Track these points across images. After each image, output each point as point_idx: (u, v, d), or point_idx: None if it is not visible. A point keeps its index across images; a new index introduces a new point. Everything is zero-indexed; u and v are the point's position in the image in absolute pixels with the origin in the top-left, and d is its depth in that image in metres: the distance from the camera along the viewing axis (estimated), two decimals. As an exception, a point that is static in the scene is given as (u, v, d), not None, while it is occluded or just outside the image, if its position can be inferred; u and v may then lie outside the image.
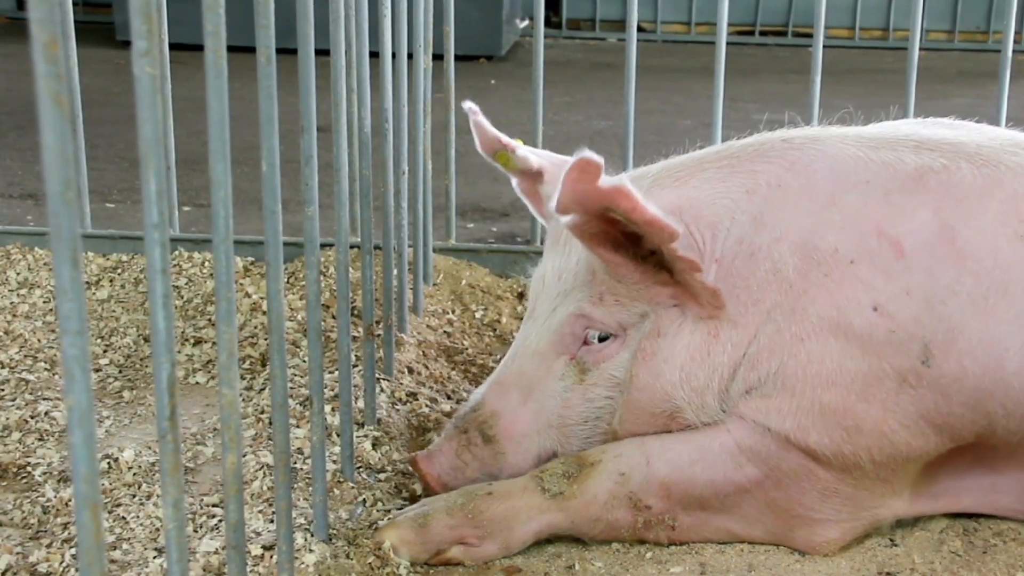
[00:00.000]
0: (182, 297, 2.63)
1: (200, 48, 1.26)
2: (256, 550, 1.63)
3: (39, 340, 2.41)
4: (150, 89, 1.11)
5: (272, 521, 1.71)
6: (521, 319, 2.38)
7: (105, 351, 2.40)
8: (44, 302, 2.59)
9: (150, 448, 1.93)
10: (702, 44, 7.41)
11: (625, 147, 2.79)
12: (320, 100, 1.59)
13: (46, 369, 2.28)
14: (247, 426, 2.01)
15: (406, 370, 2.25)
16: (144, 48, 1.10)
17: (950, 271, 1.61)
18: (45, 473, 1.86)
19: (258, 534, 1.69)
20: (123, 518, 1.73)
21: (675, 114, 5.36)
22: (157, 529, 1.70)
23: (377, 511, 1.80)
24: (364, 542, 1.69)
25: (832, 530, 1.72)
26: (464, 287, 2.72)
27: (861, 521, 1.73)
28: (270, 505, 1.75)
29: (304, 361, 2.22)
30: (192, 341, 2.41)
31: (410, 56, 2.31)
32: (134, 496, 1.80)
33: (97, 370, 2.32)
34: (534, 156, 1.95)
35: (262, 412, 2.04)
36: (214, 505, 1.78)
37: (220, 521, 1.72)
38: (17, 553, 1.63)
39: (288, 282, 2.66)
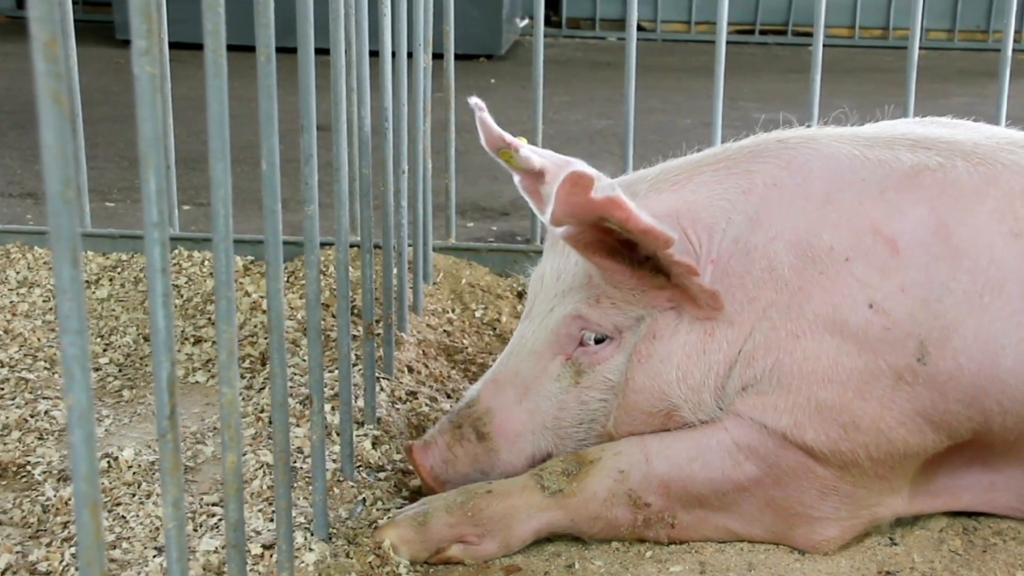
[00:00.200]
0: (182, 296, 2.63)
1: (200, 47, 1.26)
2: (256, 549, 1.64)
3: (39, 339, 2.41)
4: (150, 88, 1.11)
5: (272, 520, 1.71)
6: (520, 318, 2.38)
7: (105, 350, 2.40)
8: (44, 301, 2.59)
9: (150, 447, 1.93)
10: (702, 43, 7.42)
11: (625, 146, 2.79)
12: (320, 99, 1.59)
13: (46, 368, 2.28)
14: (247, 425, 2.01)
15: (406, 369, 2.25)
16: (144, 47, 1.10)
17: (945, 268, 1.61)
18: (45, 472, 1.86)
19: (258, 533, 1.69)
20: (123, 517, 1.73)
21: (675, 113, 5.36)
22: (157, 528, 1.70)
23: (377, 510, 1.80)
24: (364, 541, 1.69)
25: (831, 528, 1.72)
26: (464, 286, 2.72)
27: (860, 519, 1.73)
28: (270, 504, 1.75)
29: (304, 360, 2.22)
30: (192, 340, 2.41)
31: (410, 55, 2.31)
32: (134, 495, 1.80)
33: (97, 369, 2.32)
34: (536, 156, 1.95)
35: (262, 411, 2.04)
36: (214, 504, 1.78)
37: (220, 520, 1.72)
38: (17, 552, 1.63)
39: (288, 281, 2.66)
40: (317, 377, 1.62)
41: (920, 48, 2.79)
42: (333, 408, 1.97)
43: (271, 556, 1.62)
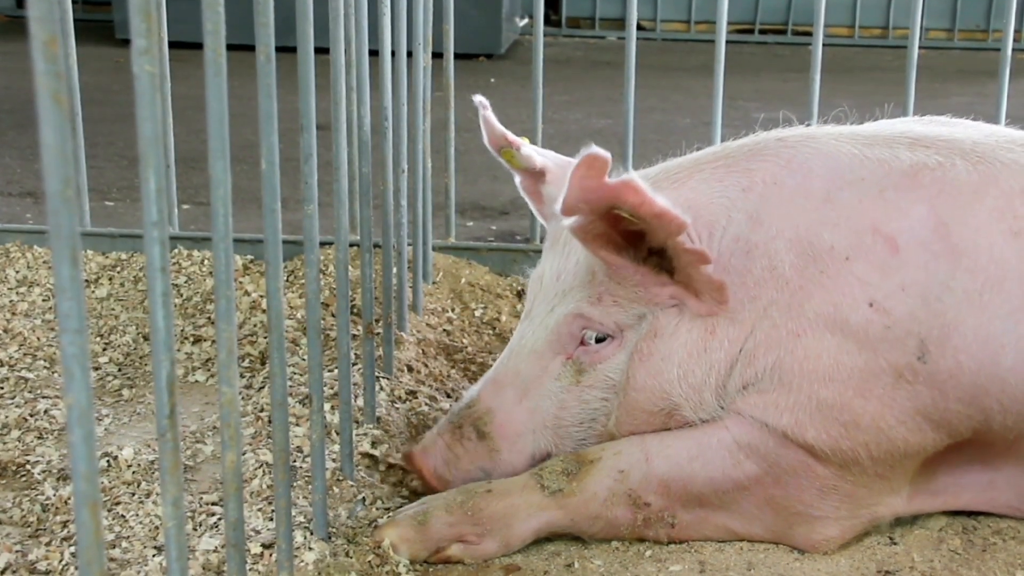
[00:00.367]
0: (181, 295, 2.63)
1: (199, 46, 1.26)
2: (255, 548, 1.63)
3: (38, 338, 2.41)
4: (149, 87, 1.11)
5: (272, 519, 1.71)
6: (520, 317, 2.38)
7: (104, 349, 2.40)
8: (43, 300, 2.59)
9: (149, 446, 1.93)
10: (702, 42, 7.42)
11: (625, 145, 2.79)
12: (319, 98, 1.59)
13: (45, 367, 2.28)
14: (246, 424, 2.01)
15: (405, 368, 2.25)
16: (143, 46, 1.10)
17: (945, 267, 1.61)
18: (44, 471, 1.86)
19: (257, 532, 1.69)
20: (122, 516, 1.73)
21: (675, 112, 5.36)
22: (156, 527, 1.70)
23: (376, 509, 1.80)
24: (363, 540, 1.70)
25: (831, 528, 1.72)
26: (464, 285, 2.72)
27: (860, 519, 1.73)
28: (269, 503, 1.75)
29: (304, 359, 2.22)
30: (192, 339, 2.41)
31: (410, 54, 2.30)
32: (133, 494, 1.79)
33: (96, 368, 2.32)
34: (538, 155, 1.97)
35: (261, 410, 2.04)
36: (213, 503, 1.78)
37: (219, 519, 1.72)
38: (16, 551, 1.63)
39: (287, 280, 2.66)
40: (317, 376, 1.62)
41: (920, 47, 2.79)
42: (333, 407, 1.97)
43: (271, 555, 1.62)
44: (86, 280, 2.69)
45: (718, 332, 1.68)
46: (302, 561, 1.62)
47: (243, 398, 2.12)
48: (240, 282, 2.62)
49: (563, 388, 1.78)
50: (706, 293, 1.68)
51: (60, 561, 1.62)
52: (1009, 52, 2.76)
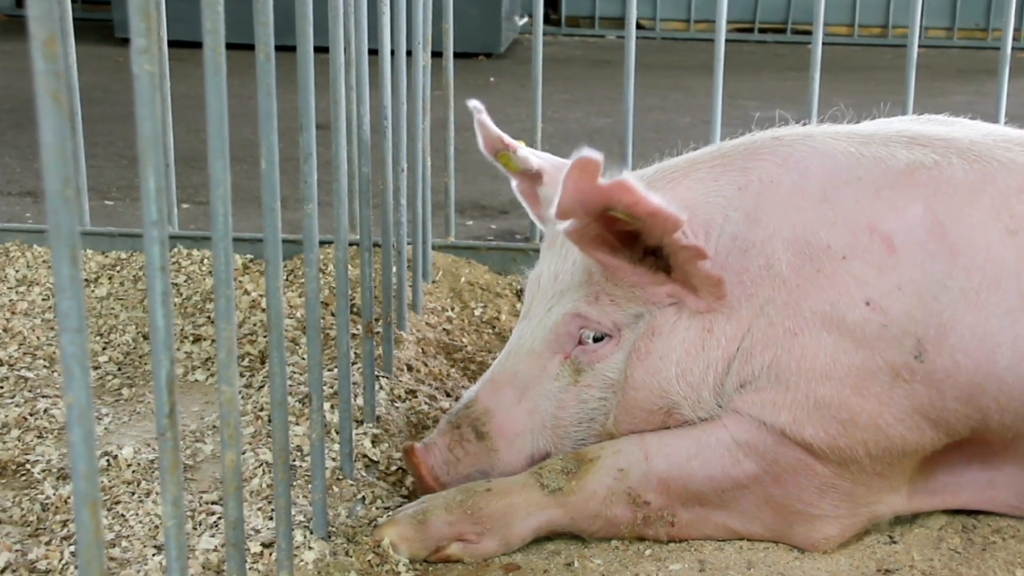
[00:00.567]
0: (181, 294, 2.63)
1: (199, 45, 1.26)
2: (255, 547, 1.64)
3: (38, 337, 2.41)
4: (149, 87, 1.11)
5: (271, 518, 1.71)
6: (519, 317, 2.39)
7: (104, 348, 2.40)
8: (43, 299, 2.59)
9: (149, 445, 1.93)
10: (701, 41, 7.42)
11: (624, 144, 2.79)
12: (319, 97, 1.59)
13: (45, 366, 2.28)
14: (246, 423, 2.01)
15: (405, 367, 2.25)
16: (143, 46, 1.10)
17: (941, 266, 1.61)
18: (44, 470, 1.86)
19: (257, 531, 1.69)
20: (122, 515, 1.73)
21: (674, 111, 5.36)
22: (156, 526, 1.70)
23: (376, 508, 1.80)
24: (363, 539, 1.70)
25: (831, 526, 1.72)
26: (463, 284, 2.72)
27: (859, 517, 1.73)
28: (269, 502, 1.75)
29: (303, 358, 2.22)
30: (191, 338, 2.41)
31: (409, 53, 2.30)
32: (133, 494, 1.80)
33: (96, 367, 2.32)
34: (534, 157, 1.97)
35: (261, 409, 2.04)
36: (213, 503, 1.78)
37: (219, 518, 1.72)
38: (16, 551, 1.63)
39: (287, 279, 2.66)
40: (316, 375, 1.62)
41: (919, 46, 2.79)
42: (332, 406, 1.97)
43: (270, 554, 1.62)
44: (86, 279, 2.69)
45: (716, 330, 1.68)
46: (302, 560, 1.62)
47: (243, 397, 2.12)
48: (240, 281, 2.62)
49: (562, 388, 1.78)
50: (704, 289, 1.68)
51: (60, 560, 1.62)
52: (1008, 51, 2.76)
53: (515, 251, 2.85)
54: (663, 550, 1.73)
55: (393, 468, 1.93)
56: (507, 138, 1.93)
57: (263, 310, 2.49)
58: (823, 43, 2.74)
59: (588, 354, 1.76)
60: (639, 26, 5.51)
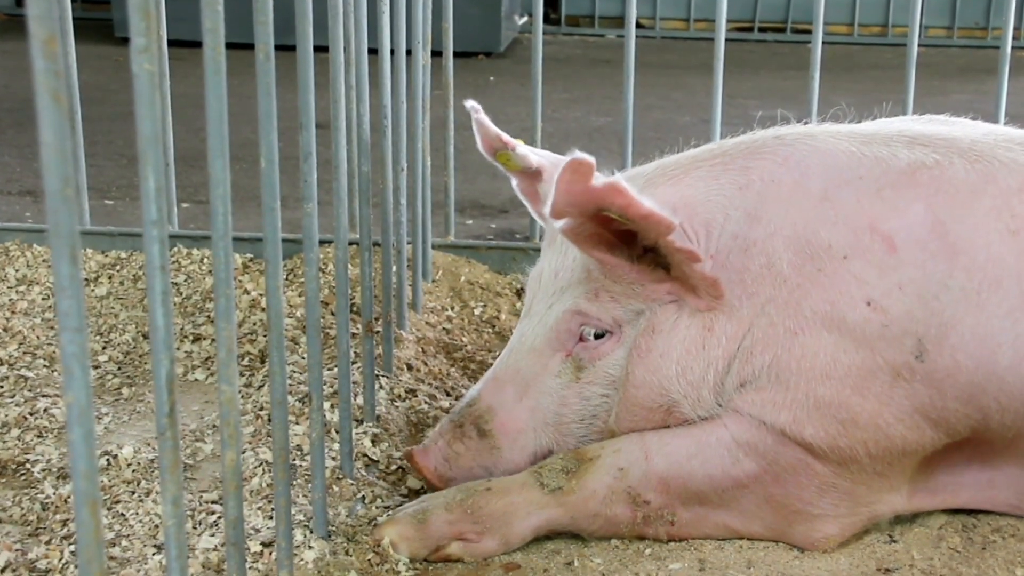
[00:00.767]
0: (181, 294, 2.63)
1: (199, 45, 1.26)
2: (255, 547, 1.64)
3: (38, 337, 2.41)
4: (149, 86, 1.11)
5: (271, 518, 1.71)
6: (520, 315, 2.39)
7: (104, 348, 2.40)
8: (43, 299, 2.59)
9: (149, 445, 1.93)
10: (701, 40, 7.41)
11: (624, 143, 2.79)
12: (319, 96, 1.59)
13: (45, 366, 2.28)
14: (246, 423, 2.01)
15: (405, 367, 2.25)
16: (143, 45, 1.10)
17: (942, 266, 1.61)
18: (44, 470, 1.86)
19: (257, 531, 1.69)
20: (122, 515, 1.73)
21: (674, 110, 5.36)
22: (156, 526, 1.70)
23: (376, 507, 1.80)
24: (363, 538, 1.70)
25: (830, 526, 1.72)
26: (463, 284, 2.72)
27: (859, 516, 1.73)
28: (269, 502, 1.75)
29: (303, 358, 2.22)
30: (191, 338, 2.41)
31: (409, 53, 2.30)
32: (133, 493, 1.80)
33: (96, 367, 2.32)
34: (534, 155, 1.97)
35: (261, 409, 2.04)
36: (213, 502, 1.78)
37: (219, 518, 1.72)
38: (16, 550, 1.63)
39: (287, 279, 2.66)
40: (316, 375, 1.62)
41: (919, 45, 2.79)
42: (332, 406, 1.97)
43: (270, 554, 1.62)
44: (85, 279, 2.69)
45: (716, 329, 1.68)
46: (302, 559, 1.62)
47: (243, 396, 2.12)
48: (239, 280, 2.62)
49: (563, 385, 1.78)
50: (702, 289, 1.68)
51: (60, 560, 1.62)
52: (1008, 50, 2.76)
53: (515, 250, 2.85)
54: (663, 549, 1.73)
55: (393, 467, 1.93)
56: (505, 137, 1.93)
57: (263, 309, 2.49)
58: (823, 42, 2.74)
59: (589, 351, 1.76)
60: (639, 25, 5.51)
